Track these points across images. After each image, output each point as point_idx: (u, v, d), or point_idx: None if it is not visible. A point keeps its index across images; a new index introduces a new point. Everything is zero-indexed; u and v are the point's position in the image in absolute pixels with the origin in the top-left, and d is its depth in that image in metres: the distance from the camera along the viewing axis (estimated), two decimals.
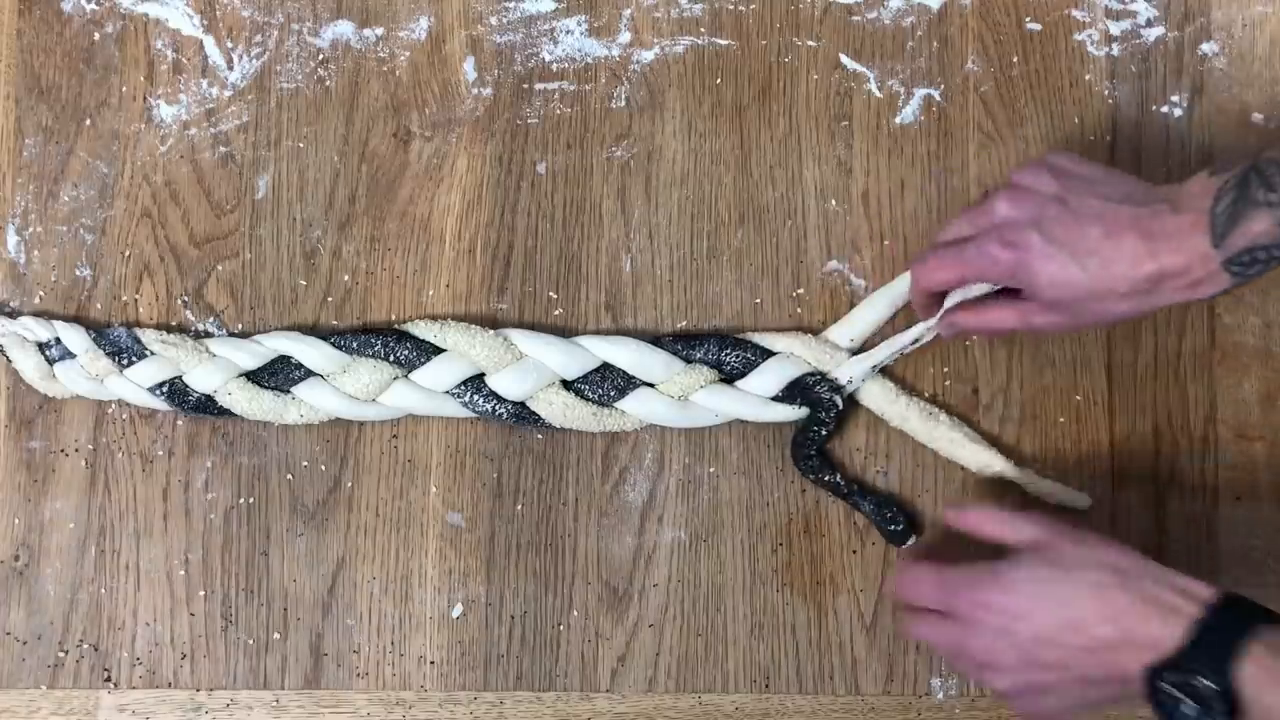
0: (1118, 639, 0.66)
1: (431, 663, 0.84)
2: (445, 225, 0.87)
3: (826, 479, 0.83)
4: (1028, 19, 0.87)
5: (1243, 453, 0.84)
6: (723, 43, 0.87)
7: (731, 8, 0.87)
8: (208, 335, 0.86)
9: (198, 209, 0.87)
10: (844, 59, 0.87)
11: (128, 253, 0.87)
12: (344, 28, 0.88)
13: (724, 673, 0.84)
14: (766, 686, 0.83)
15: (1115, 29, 0.87)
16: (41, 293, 0.87)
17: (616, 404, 0.84)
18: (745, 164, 0.87)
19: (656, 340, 0.84)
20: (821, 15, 0.87)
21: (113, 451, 0.86)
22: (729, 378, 0.84)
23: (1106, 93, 0.86)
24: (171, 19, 0.88)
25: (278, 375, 0.85)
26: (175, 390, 0.84)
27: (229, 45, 0.88)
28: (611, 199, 0.87)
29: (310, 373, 0.84)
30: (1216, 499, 0.84)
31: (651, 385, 0.84)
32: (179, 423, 0.86)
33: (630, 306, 0.86)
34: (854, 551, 0.84)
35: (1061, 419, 0.85)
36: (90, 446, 0.86)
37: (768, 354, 0.84)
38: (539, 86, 0.87)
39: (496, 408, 0.83)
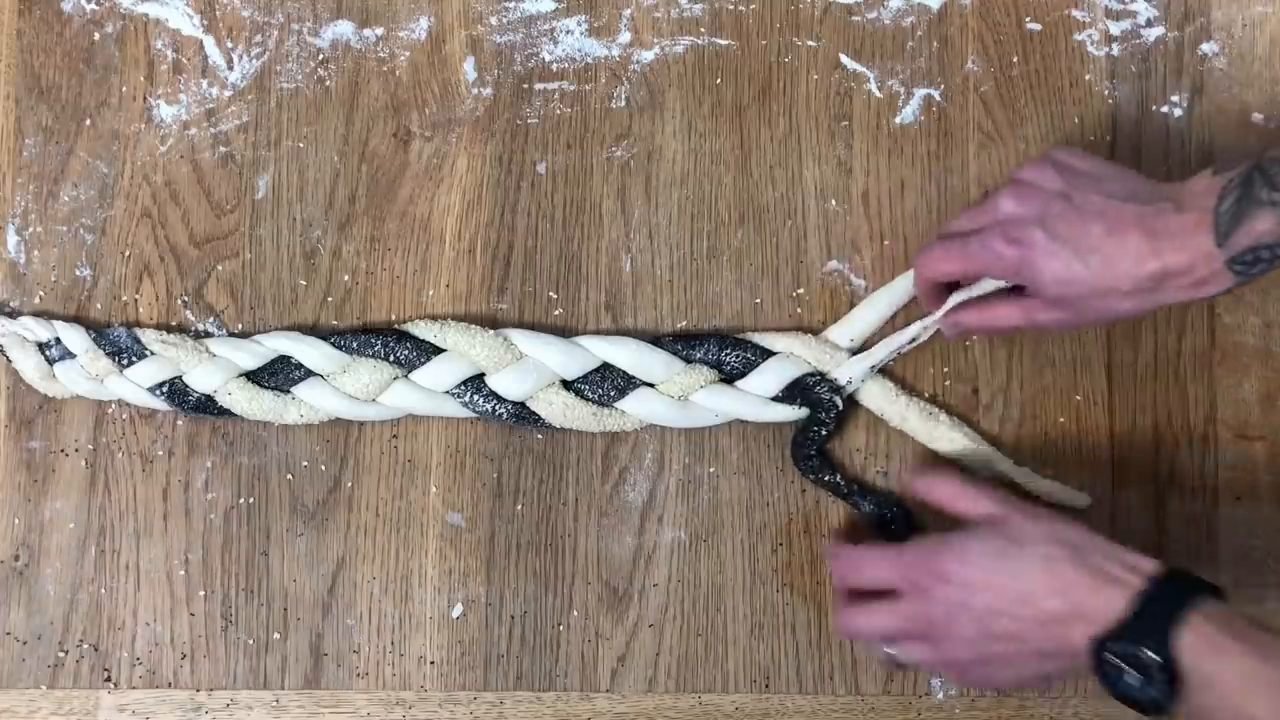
0: (1066, 611, 0.67)
1: (431, 663, 0.84)
2: (445, 225, 0.87)
3: (826, 479, 0.83)
4: (1028, 19, 0.87)
5: (1243, 453, 0.84)
6: (723, 43, 0.87)
7: (731, 8, 0.87)
8: (208, 335, 0.86)
9: (198, 209, 0.87)
10: (844, 59, 0.87)
11: (128, 253, 0.87)
12: (344, 28, 0.88)
13: (724, 673, 0.84)
14: (766, 686, 0.83)
15: (1115, 29, 0.87)
16: (41, 293, 0.87)
17: (616, 404, 0.84)
18: (745, 164, 0.87)
19: (656, 340, 0.84)
20: (821, 15, 0.87)
21: (113, 451, 0.86)
22: (729, 378, 0.84)
23: (1106, 93, 0.86)
24: (171, 19, 0.88)
25: (278, 375, 0.85)
26: (175, 390, 0.84)
27: (229, 45, 0.88)
28: (611, 199, 0.87)
29: (310, 373, 0.84)
30: (1216, 499, 0.84)
31: (651, 385, 0.84)
32: (179, 423, 0.86)
33: (630, 306, 0.86)
34: None
35: (1061, 419, 0.85)
36: (90, 446, 0.86)
37: (768, 354, 0.84)
38: (539, 86, 0.87)
39: (496, 408, 0.83)
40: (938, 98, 0.87)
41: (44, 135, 0.88)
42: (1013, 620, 0.69)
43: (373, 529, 0.85)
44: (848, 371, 0.83)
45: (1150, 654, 0.64)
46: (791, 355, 0.83)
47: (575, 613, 0.84)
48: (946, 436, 0.83)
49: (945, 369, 0.85)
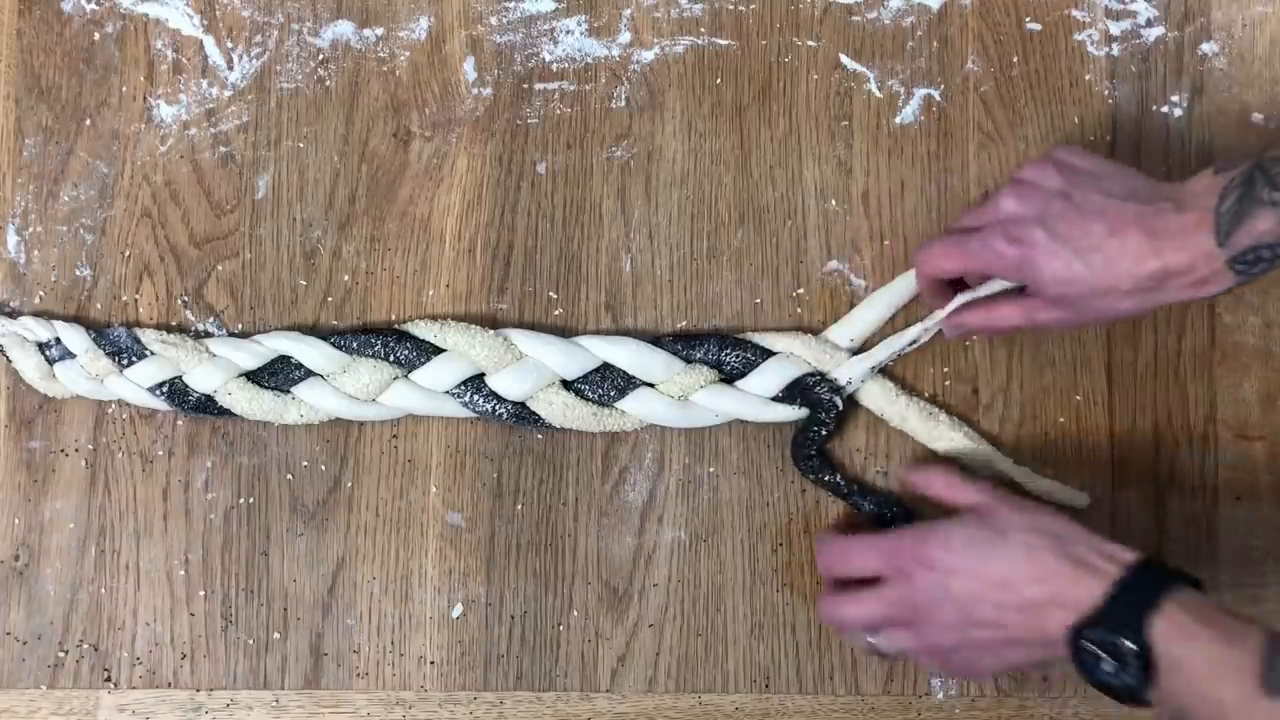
0: (1046, 599, 0.68)
1: (431, 663, 0.84)
2: (445, 225, 0.87)
3: (826, 479, 0.83)
4: (1028, 19, 0.87)
5: (1243, 453, 0.84)
6: (723, 43, 0.87)
7: (731, 8, 0.87)
8: (208, 335, 0.86)
9: (198, 209, 0.87)
10: (844, 59, 0.87)
11: (128, 253, 0.87)
12: (344, 28, 0.88)
13: (724, 673, 0.84)
14: (766, 686, 0.83)
15: (1115, 29, 0.87)
16: (41, 293, 0.87)
17: (616, 404, 0.84)
18: (745, 164, 0.87)
19: (656, 340, 0.84)
20: (821, 15, 0.87)
21: (113, 451, 0.86)
22: (729, 378, 0.84)
23: (1106, 93, 0.86)
24: (171, 19, 0.88)
25: (278, 375, 0.85)
26: (175, 390, 0.84)
27: (229, 45, 0.88)
28: (611, 199, 0.87)
29: (310, 373, 0.84)
30: (1216, 499, 0.84)
31: (651, 385, 0.84)
32: (179, 423, 0.86)
33: (630, 306, 0.86)
34: None
35: (1061, 419, 0.85)
36: (90, 446, 0.86)
37: (768, 354, 0.84)
38: (539, 86, 0.87)
39: (496, 408, 0.83)
40: (938, 98, 0.87)
41: (44, 135, 0.88)
42: (993, 607, 0.70)
43: (373, 529, 0.85)
44: (848, 372, 0.83)
45: (1125, 641, 0.65)
46: (791, 355, 0.83)
47: (575, 613, 0.84)
48: (946, 436, 0.83)
49: (945, 369, 0.85)
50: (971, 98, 0.87)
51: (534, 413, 0.83)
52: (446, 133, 0.87)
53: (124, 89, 0.88)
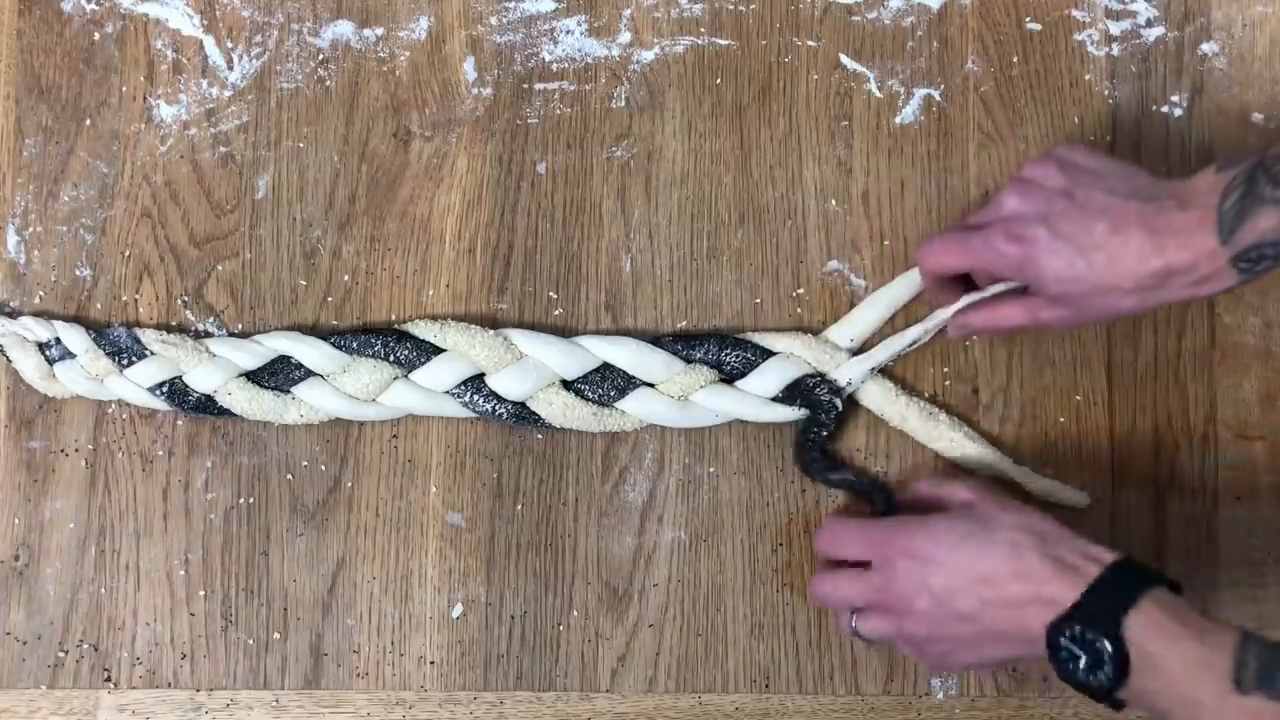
0: (1026, 596, 0.69)
1: (431, 663, 0.84)
2: (445, 225, 0.87)
3: (834, 477, 0.83)
4: (1028, 19, 0.87)
5: (1243, 453, 0.84)
6: (723, 43, 0.87)
7: (731, 8, 0.87)
8: (208, 335, 0.86)
9: (198, 209, 0.87)
10: (844, 59, 0.87)
11: (128, 253, 0.87)
12: (344, 28, 0.88)
13: (724, 673, 0.84)
14: (766, 686, 0.83)
15: (1115, 29, 0.87)
16: (41, 293, 0.87)
17: (616, 404, 0.84)
18: (745, 164, 0.87)
19: (656, 340, 0.84)
20: (821, 15, 0.87)
21: (113, 451, 0.86)
22: (729, 378, 0.84)
23: (1106, 93, 0.86)
24: (171, 19, 0.88)
25: (278, 375, 0.85)
26: (175, 390, 0.84)
27: (229, 45, 0.88)
28: (611, 199, 0.87)
29: (310, 373, 0.84)
30: (1216, 499, 0.84)
31: (651, 385, 0.84)
32: (179, 423, 0.86)
33: (630, 306, 0.86)
34: None
35: (1061, 419, 0.85)
36: (90, 446, 0.86)
37: (768, 354, 0.84)
38: (539, 86, 0.87)
39: (496, 408, 0.83)
40: (938, 98, 0.87)
41: (44, 135, 0.88)
42: (972, 601, 0.70)
43: (373, 529, 0.85)
44: (847, 372, 0.83)
45: (1101, 639, 0.65)
46: (791, 355, 0.83)
47: (575, 613, 0.84)
48: (946, 436, 0.83)
49: (945, 369, 0.85)
50: (971, 98, 0.87)
51: (534, 413, 0.83)
52: (446, 133, 0.87)
53: (124, 89, 0.88)
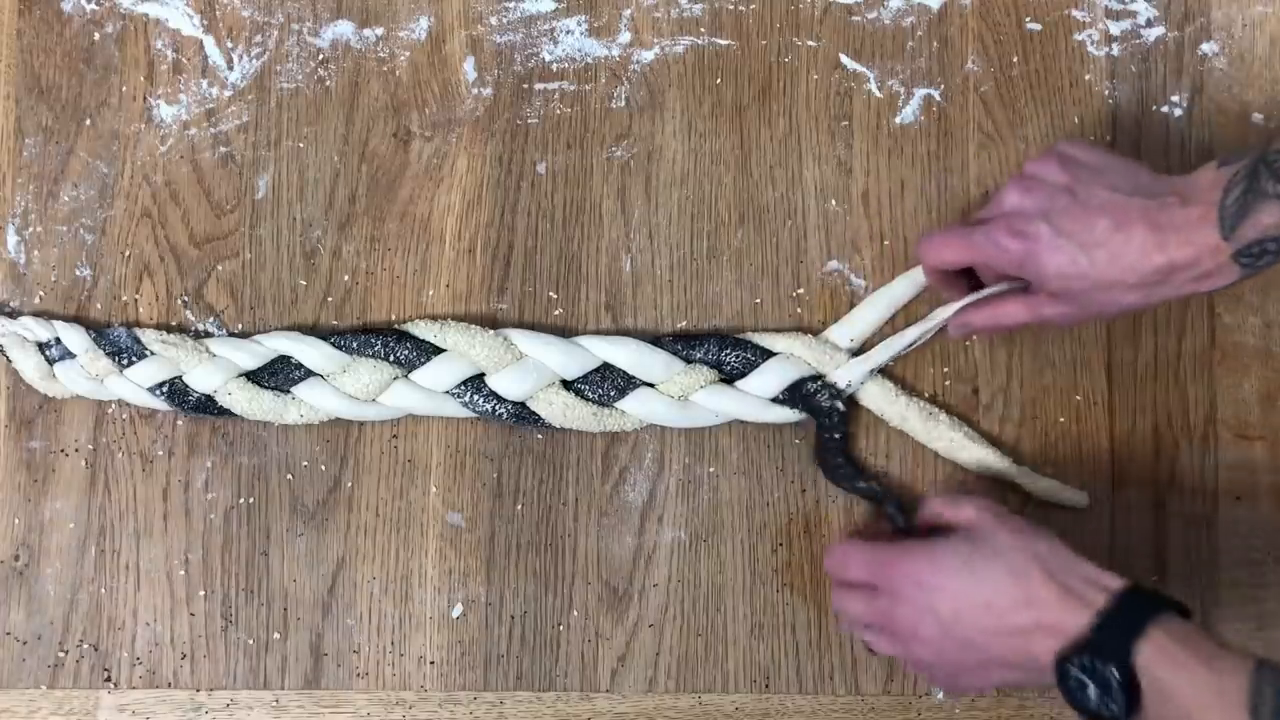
0: (1031, 625, 0.68)
1: (431, 663, 0.84)
2: (445, 225, 0.87)
3: (861, 486, 0.82)
4: (1028, 19, 0.87)
5: (1243, 453, 0.84)
6: (723, 43, 0.87)
7: (731, 8, 0.87)
8: (208, 335, 0.86)
9: (198, 209, 0.87)
10: (844, 59, 0.87)
11: (128, 253, 0.87)
12: (344, 28, 0.88)
13: (724, 673, 0.84)
14: (766, 686, 0.83)
15: (1115, 29, 0.87)
16: (41, 293, 0.87)
17: (616, 404, 0.84)
18: (745, 164, 0.87)
19: (656, 340, 0.84)
20: (821, 15, 0.87)
21: (113, 451, 0.86)
22: (729, 378, 0.84)
23: (1106, 93, 0.86)
24: (171, 19, 0.88)
25: (278, 375, 0.85)
26: (175, 390, 0.84)
27: (229, 45, 0.88)
28: (611, 199, 0.87)
29: (310, 373, 0.84)
30: (1216, 499, 0.84)
31: (651, 385, 0.84)
32: (179, 423, 0.86)
33: (630, 306, 0.86)
34: None
35: (1061, 419, 0.85)
36: (90, 446, 0.86)
37: (768, 354, 0.84)
38: (539, 86, 0.87)
39: (496, 408, 0.83)
40: (938, 98, 0.87)
41: (44, 135, 0.88)
42: (977, 628, 0.69)
43: (373, 529, 0.85)
44: (846, 374, 0.83)
45: (1111, 669, 0.64)
46: (791, 356, 0.83)
47: (575, 613, 0.84)
48: (946, 436, 0.83)
49: (945, 369, 0.85)
50: (971, 98, 0.87)
51: (534, 413, 0.83)
52: (446, 133, 0.87)
53: (124, 89, 0.88)
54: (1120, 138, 0.86)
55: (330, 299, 0.87)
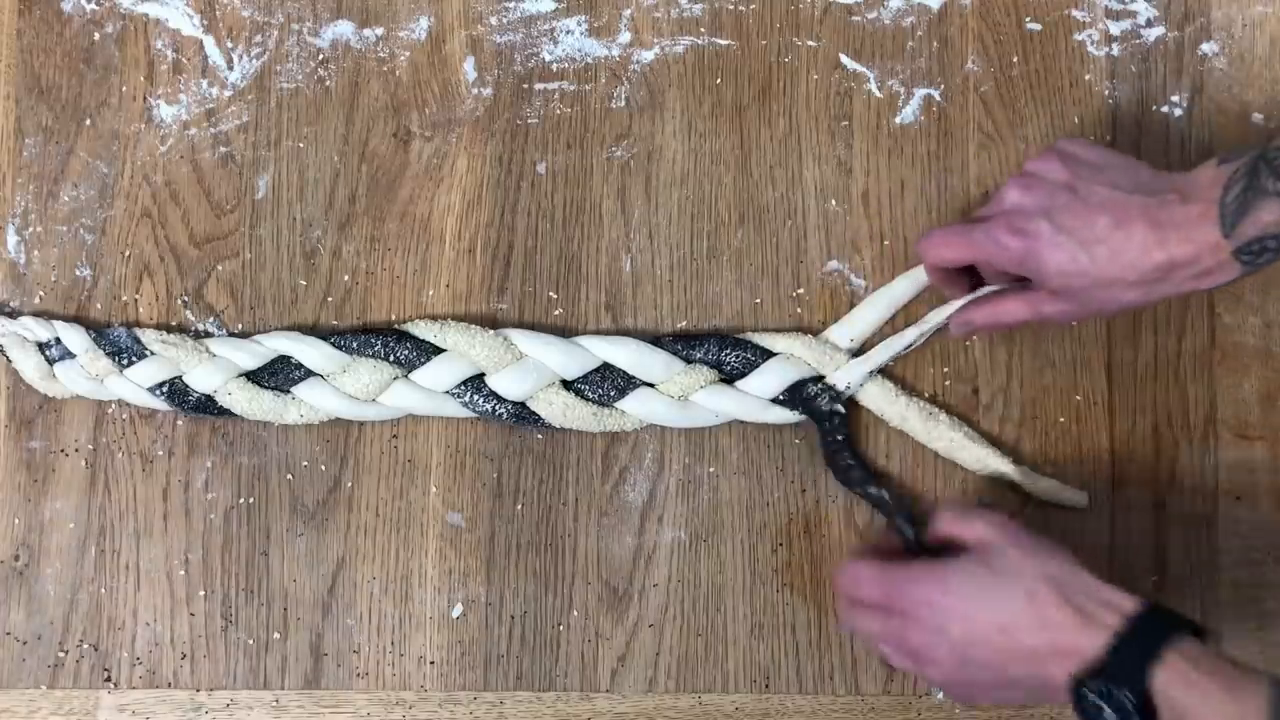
0: (1046, 648, 0.67)
1: (431, 663, 0.84)
2: (445, 225, 0.87)
3: (872, 493, 0.81)
4: (1028, 19, 0.87)
5: (1243, 453, 0.84)
6: (723, 43, 0.87)
7: (731, 8, 0.87)
8: (208, 335, 0.86)
9: (198, 209, 0.87)
10: (844, 59, 0.87)
11: (128, 253, 0.87)
12: (344, 28, 0.88)
13: (724, 673, 0.84)
14: (766, 686, 0.83)
15: (1115, 29, 0.87)
16: (41, 293, 0.87)
17: (616, 404, 0.84)
18: (745, 164, 0.87)
19: (656, 340, 0.84)
20: (821, 15, 0.87)
21: (113, 451, 0.86)
22: (729, 378, 0.84)
23: (1106, 93, 0.86)
24: (171, 19, 0.88)
25: (278, 375, 0.85)
26: (175, 390, 0.84)
27: (229, 45, 0.88)
28: (611, 199, 0.87)
29: (310, 373, 0.84)
30: (1216, 499, 0.84)
31: (651, 385, 0.84)
32: (179, 423, 0.86)
33: (630, 306, 0.86)
34: None
35: (1061, 419, 0.85)
36: (90, 446, 0.86)
37: (768, 354, 0.84)
38: (539, 86, 0.87)
39: (496, 408, 0.83)
40: (938, 98, 0.87)
41: (44, 135, 0.88)
42: (990, 650, 0.69)
43: (373, 529, 0.85)
44: (846, 376, 0.83)
45: (1127, 693, 0.64)
46: (792, 356, 0.83)
47: (575, 613, 0.84)
48: (946, 436, 0.83)
49: (945, 369, 0.85)
50: (971, 98, 0.87)
51: (534, 413, 0.83)
52: (446, 133, 0.87)
53: (124, 89, 0.88)
54: (1120, 138, 0.86)
55: (330, 299, 0.87)
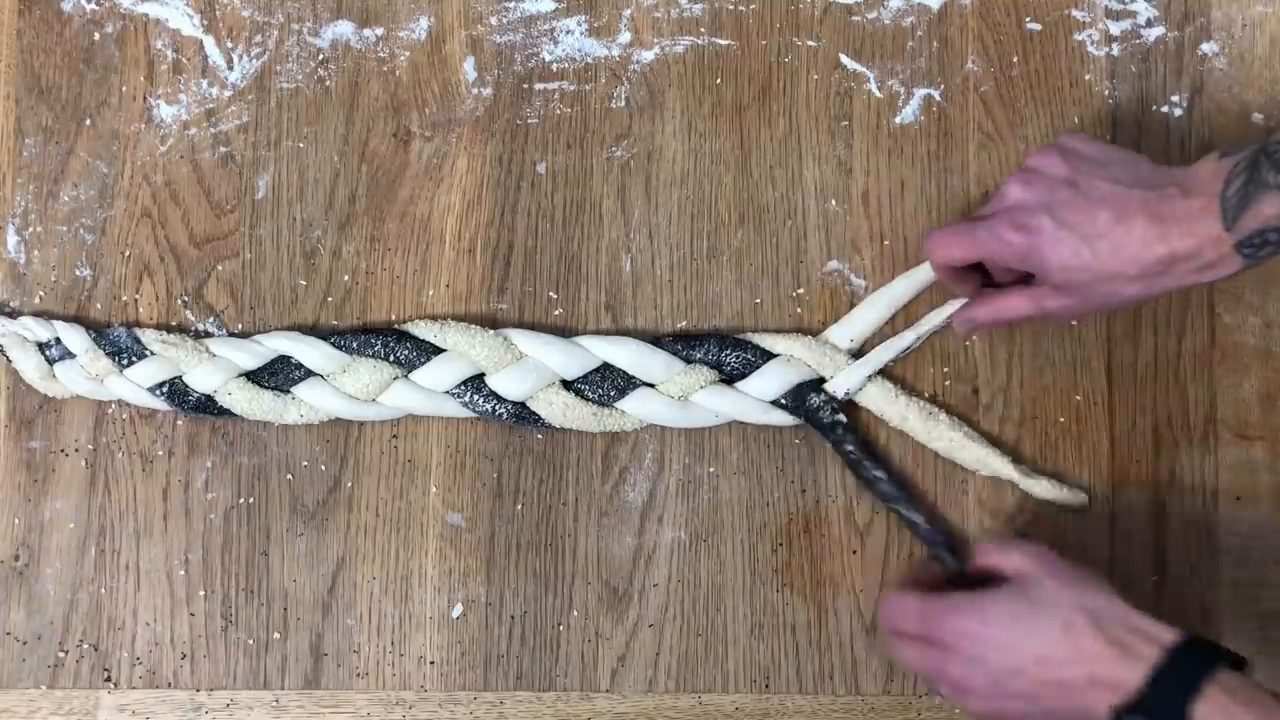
0: (1084, 680, 0.67)
1: (431, 663, 0.84)
2: (445, 225, 0.87)
3: (906, 515, 0.81)
4: (1028, 19, 0.87)
5: (1243, 453, 0.84)
6: (723, 43, 0.87)
7: (731, 8, 0.87)
8: (208, 335, 0.86)
9: (198, 209, 0.87)
10: (844, 59, 0.87)
11: (128, 253, 0.87)
12: (344, 28, 0.88)
13: (724, 673, 0.84)
14: (766, 686, 0.83)
15: (1115, 29, 0.87)
16: (41, 293, 0.87)
17: (616, 404, 0.84)
18: (745, 164, 0.87)
19: (656, 340, 0.84)
20: (821, 15, 0.87)
21: (113, 451, 0.86)
22: (729, 378, 0.84)
23: (1106, 93, 0.86)
24: (171, 19, 0.88)
25: (278, 375, 0.85)
26: (175, 390, 0.84)
27: (229, 45, 0.88)
28: (611, 199, 0.87)
29: (310, 373, 0.84)
30: (1216, 499, 0.84)
31: (651, 385, 0.84)
32: (179, 423, 0.86)
33: (630, 306, 0.86)
34: (854, 552, 0.84)
35: (1061, 419, 0.85)
36: (90, 446, 0.86)
37: (768, 355, 0.83)
38: (539, 86, 0.87)
39: (496, 408, 0.83)
40: (938, 98, 0.87)
41: (44, 135, 0.88)
42: (1028, 681, 0.69)
43: (373, 529, 0.85)
44: (844, 382, 0.83)
45: None
46: (792, 358, 0.83)
47: (575, 613, 0.84)
48: (946, 436, 0.83)
49: (945, 369, 0.85)
50: (971, 98, 0.87)
51: (534, 413, 0.83)
52: (446, 133, 0.87)
53: (124, 89, 0.88)
54: (1120, 138, 0.86)
55: (330, 299, 0.87)
